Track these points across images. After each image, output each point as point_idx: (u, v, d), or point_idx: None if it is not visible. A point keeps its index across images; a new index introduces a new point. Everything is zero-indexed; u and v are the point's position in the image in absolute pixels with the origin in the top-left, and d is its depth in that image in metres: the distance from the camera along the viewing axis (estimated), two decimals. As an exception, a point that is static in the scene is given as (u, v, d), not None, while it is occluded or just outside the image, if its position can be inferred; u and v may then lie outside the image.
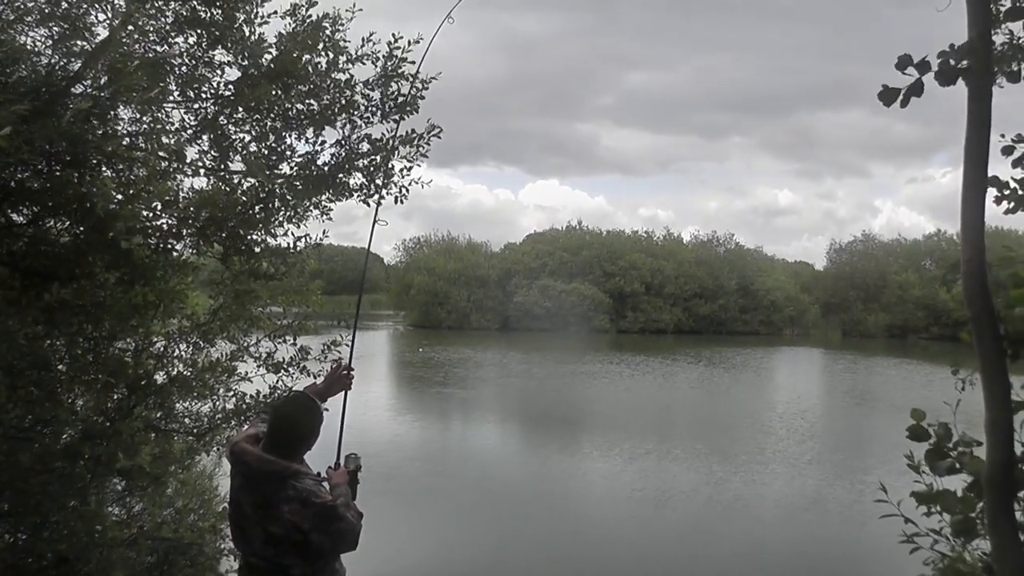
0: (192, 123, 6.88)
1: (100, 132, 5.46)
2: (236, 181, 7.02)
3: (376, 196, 7.32)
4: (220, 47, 6.81)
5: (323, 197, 7.33)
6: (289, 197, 7.11)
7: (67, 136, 4.75)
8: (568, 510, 19.97)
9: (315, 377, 8.01)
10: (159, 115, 6.62)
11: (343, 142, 7.30)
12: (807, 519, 19.26)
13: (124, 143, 5.80)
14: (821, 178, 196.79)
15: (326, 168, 7.30)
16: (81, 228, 5.27)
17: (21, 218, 5.60)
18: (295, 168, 7.21)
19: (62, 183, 4.95)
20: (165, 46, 6.58)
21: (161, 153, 6.20)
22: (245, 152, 7.10)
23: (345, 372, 5.08)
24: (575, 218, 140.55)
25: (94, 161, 5.13)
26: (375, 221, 6.16)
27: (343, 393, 5.19)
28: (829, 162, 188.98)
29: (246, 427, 5.07)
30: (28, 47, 5.33)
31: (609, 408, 36.17)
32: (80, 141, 4.87)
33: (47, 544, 5.82)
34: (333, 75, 7.11)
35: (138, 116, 6.20)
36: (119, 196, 5.16)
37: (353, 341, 5.74)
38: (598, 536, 17.96)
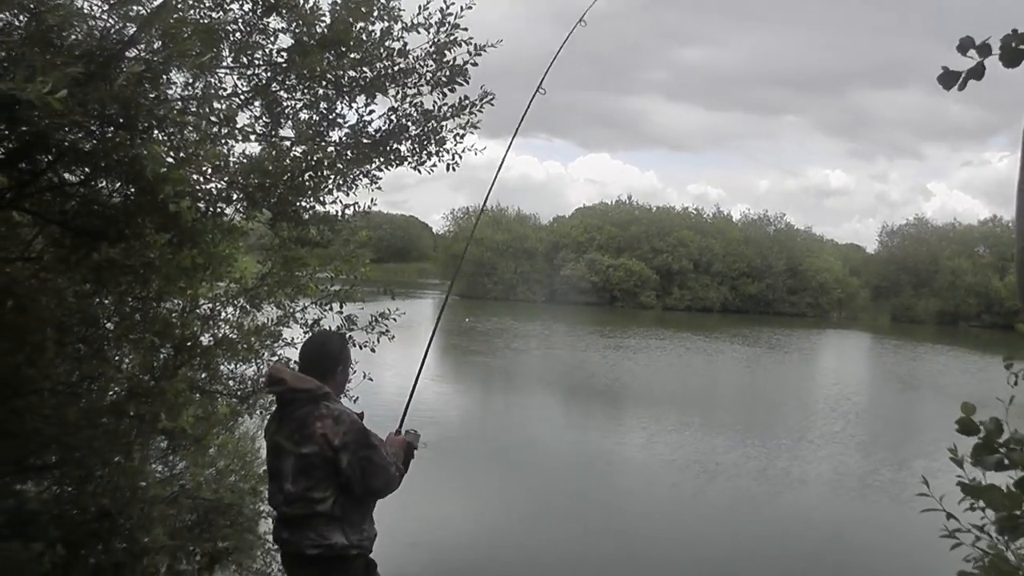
0: (244, 89, 6.89)
1: (153, 96, 5.51)
2: (286, 147, 7.04)
3: (429, 164, 7.36)
4: (274, 14, 6.81)
5: (373, 165, 7.34)
6: (339, 164, 7.14)
7: (119, 99, 4.79)
8: (608, 481, 20.02)
9: (360, 348, 8.08)
10: (212, 80, 6.64)
11: (394, 110, 7.28)
12: (851, 501, 19.16)
13: (176, 107, 5.84)
14: (874, 159, 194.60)
15: (377, 135, 7.28)
16: (132, 189, 5.34)
17: (74, 178, 5.68)
18: (345, 135, 7.22)
19: (114, 145, 5.01)
20: (220, 12, 6.58)
21: (212, 118, 6.24)
22: (296, 119, 7.13)
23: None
24: (625, 192, 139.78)
25: (145, 124, 5.17)
26: (499, 170, 6.24)
27: (418, 369, 5.78)
28: (883, 143, 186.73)
29: None
30: (84, 11, 5.36)
31: (651, 383, 36.09)
32: (132, 104, 4.92)
33: (91, 498, 5.94)
34: (387, 43, 7.07)
35: (190, 81, 6.23)
36: (170, 159, 5.21)
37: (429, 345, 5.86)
38: (637, 506, 18.01)
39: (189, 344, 7.34)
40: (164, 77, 5.76)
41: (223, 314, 8.06)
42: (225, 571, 8.14)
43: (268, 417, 4.90)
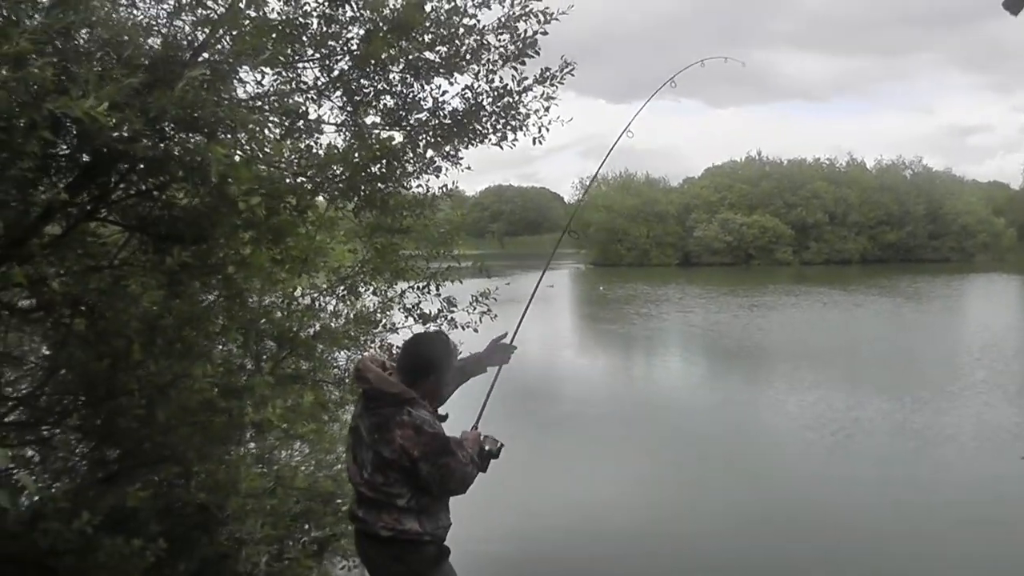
0: (324, 80, 6.95)
1: (226, 98, 5.60)
2: (366, 135, 7.08)
3: (511, 139, 7.31)
4: (347, 4, 6.83)
5: (452, 146, 7.32)
6: (419, 148, 7.15)
7: (183, 104, 4.88)
8: (740, 441, 19.79)
9: (463, 328, 8.12)
10: (290, 75, 6.72)
11: (470, 88, 7.24)
12: (997, 458, 18.39)
13: (247, 105, 5.94)
14: (1016, 90, 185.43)
15: (459, 115, 7.26)
16: (205, 192, 5.45)
17: (151, 184, 5.83)
18: (423, 118, 7.22)
19: (183, 150, 5.12)
20: (293, 4, 6.62)
21: (282, 115, 6.32)
22: (375, 105, 7.16)
23: (507, 343, 5.18)
24: (755, 148, 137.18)
25: (213, 127, 5.26)
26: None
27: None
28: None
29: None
30: (144, 23, 5.47)
31: (786, 342, 35.46)
32: (197, 108, 5.00)
33: (189, 493, 6.14)
34: (459, 21, 7.02)
35: (260, 78, 6.33)
36: (237, 156, 5.30)
37: (527, 310, 5.75)
38: (772, 466, 17.77)
39: (291, 336, 7.49)
40: (235, 77, 5.88)
41: (322, 304, 8.20)
42: (331, 559, 8.32)
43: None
